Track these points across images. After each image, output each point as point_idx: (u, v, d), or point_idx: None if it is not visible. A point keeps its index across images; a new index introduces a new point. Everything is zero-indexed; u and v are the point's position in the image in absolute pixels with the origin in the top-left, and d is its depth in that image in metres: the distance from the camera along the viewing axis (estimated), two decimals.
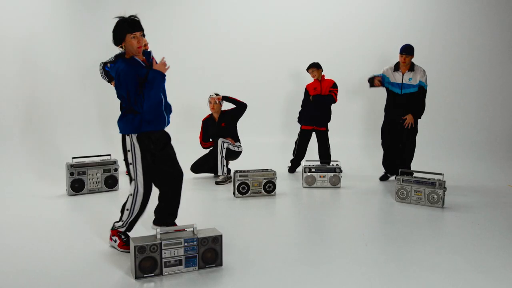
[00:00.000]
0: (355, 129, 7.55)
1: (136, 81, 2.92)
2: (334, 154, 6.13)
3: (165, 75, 3.02)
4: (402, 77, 5.37)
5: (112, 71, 3.09)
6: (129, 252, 3.04)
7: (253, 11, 7.68)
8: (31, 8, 6.53)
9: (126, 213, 3.13)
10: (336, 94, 5.94)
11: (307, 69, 6.04)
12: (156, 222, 3.38)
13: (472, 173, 6.16)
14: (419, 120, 5.52)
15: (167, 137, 3.26)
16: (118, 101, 8.19)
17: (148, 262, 2.64)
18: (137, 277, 2.63)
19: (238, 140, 5.65)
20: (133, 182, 3.08)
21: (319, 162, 5.61)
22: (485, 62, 7.59)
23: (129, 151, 3.04)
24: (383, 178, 5.74)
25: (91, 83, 7.43)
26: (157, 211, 3.39)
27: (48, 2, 6.91)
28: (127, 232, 3.22)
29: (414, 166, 5.96)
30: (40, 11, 6.73)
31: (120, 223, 3.18)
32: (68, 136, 7.06)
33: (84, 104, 7.44)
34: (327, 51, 7.65)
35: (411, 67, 5.35)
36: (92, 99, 7.50)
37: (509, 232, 3.66)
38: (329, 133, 6.10)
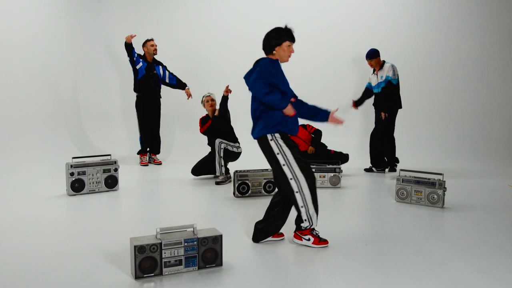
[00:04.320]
0: (355, 129, 7.55)
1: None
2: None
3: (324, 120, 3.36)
4: (377, 76, 5.97)
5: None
6: (326, 246, 3.17)
7: (253, 11, 7.68)
8: (29, 8, 6.53)
9: (303, 210, 3.10)
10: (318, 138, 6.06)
11: None
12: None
13: (472, 173, 6.16)
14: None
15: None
16: (118, 101, 8.23)
17: (148, 262, 2.64)
18: (137, 277, 2.63)
19: (237, 141, 5.64)
20: (292, 181, 3.06)
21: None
22: (485, 62, 7.59)
23: (278, 153, 3.06)
24: (368, 170, 6.20)
25: (91, 83, 7.44)
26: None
27: (51, 2, 6.91)
28: (315, 227, 3.21)
29: (414, 166, 5.97)
30: (39, 11, 6.74)
31: (307, 224, 3.14)
32: (68, 136, 7.07)
33: (84, 104, 7.44)
34: (327, 51, 7.66)
35: (381, 66, 5.92)
36: (92, 99, 7.50)
37: (509, 232, 3.66)
38: (329, 133, 6.14)
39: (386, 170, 6.13)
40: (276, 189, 3.35)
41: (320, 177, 5.17)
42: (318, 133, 6.01)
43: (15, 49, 6.32)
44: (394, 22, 7.53)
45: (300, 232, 3.21)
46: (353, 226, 3.77)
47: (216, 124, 5.48)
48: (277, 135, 3.07)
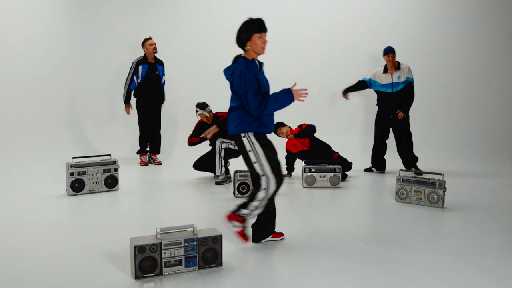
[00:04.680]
0: (355, 129, 7.55)
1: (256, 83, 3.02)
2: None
3: (292, 101, 3.13)
4: (392, 77, 5.84)
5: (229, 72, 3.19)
6: (246, 242, 3.18)
7: (253, 11, 7.67)
8: (29, 8, 6.53)
9: (255, 203, 3.08)
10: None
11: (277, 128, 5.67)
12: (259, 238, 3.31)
13: (472, 173, 6.16)
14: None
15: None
16: (118, 101, 8.22)
17: (148, 262, 2.64)
18: (137, 277, 2.63)
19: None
20: (263, 177, 3.06)
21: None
22: (485, 62, 7.59)
23: (250, 151, 3.06)
24: (368, 170, 6.16)
25: (91, 83, 7.43)
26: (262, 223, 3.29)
27: (51, 3, 6.91)
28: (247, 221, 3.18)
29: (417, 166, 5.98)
30: (39, 11, 6.74)
31: (247, 212, 3.10)
32: (68, 136, 7.07)
33: (84, 104, 7.44)
34: (327, 51, 7.66)
35: (398, 66, 5.86)
36: (92, 99, 7.50)
37: (509, 232, 3.66)
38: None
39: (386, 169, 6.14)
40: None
41: (320, 177, 5.17)
42: (309, 127, 5.62)
43: (15, 49, 6.32)
44: (394, 22, 7.53)
45: (236, 215, 3.13)
46: (353, 226, 3.77)
47: (217, 129, 5.46)
48: (251, 133, 3.07)
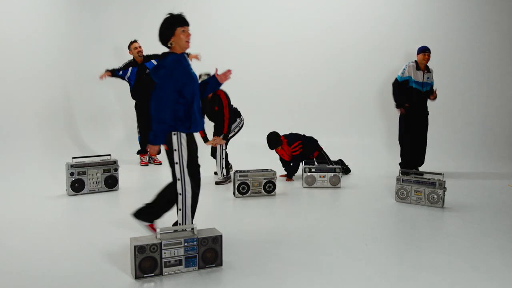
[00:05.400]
0: (355, 129, 7.55)
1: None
2: (335, 154, 6.12)
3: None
4: (423, 76, 5.79)
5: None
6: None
7: (253, 11, 7.68)
8: (29, 8, 6.53)
9: (179, 213, 3.09)
10: (297, 151, 5.69)
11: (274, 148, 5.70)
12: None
13: (472, 173, 6.16)
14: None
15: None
16: (118, 101, 8.20)
17: (148, 262, 2.64)
18: (137, 277, 2.63)
19: (239, 115, 5.54)
20: (179, 182, 3.05)
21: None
22: (485, 62, 7.59)
23: (175, 150, 3.03)
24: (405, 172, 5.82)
25: (91, 83, 7.43)
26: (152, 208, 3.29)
27: (51, 3, 6.91)
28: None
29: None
30: (39, 11, 6.74)
31: (188, 222, 3.12)
32: (68, 136, 7.07)
33: (85, 104, 7.44)
34: (327, 51, 7.66)
35: (427, 67, 5.83)
36: (92, 99, 7.50)
37: (509, 232, 3.66)
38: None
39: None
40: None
41: (320, 177, 5.17)
42: (296, 164, 5.60)
43: (15, 49, 6.31)
44: (394, 22, 7.53)
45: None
46: (353, 226, 3.77)
47: (215, 107, 5.37)
48: (183, 134, 3.03)
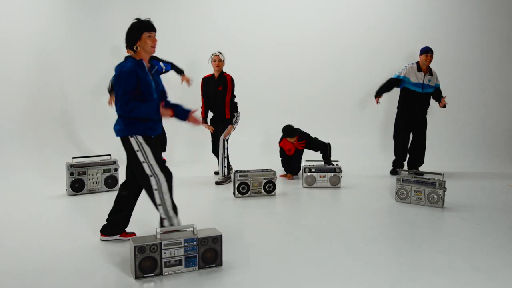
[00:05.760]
0: (355, 129, 7.55)
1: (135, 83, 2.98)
2: (335, 154, 6.12)
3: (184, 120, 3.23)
4: (424, 77, 5.79)
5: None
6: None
7: (253, 11, 7.68)
8: (29, 8, 6.52)
9: (160, 208, 3.08)
10: (302, 146, 5.82)
11: (284, 137, 5.76)
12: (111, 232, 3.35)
13: (472, 173, 6.16)
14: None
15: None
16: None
17: (148, 262, 2.64)
18: (137, 277, 2.63)
19: (236, 109, 5.54)
20: (152, 178, 3.05)
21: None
22: (485, 62, 7.59)
23: (137, 151, 3.05)
24: (394, 173, 6.05)
25: (91, 83, 7.43)
26: (116, 220, 3.34)
27: (51, 3, 6.91)
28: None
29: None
30: (39, 11, 6.73)
31: (167, 223, 3.10)
32: (68, 136, 7.07)
33: (84, 104, 7.44)
34: (327, 51, 7.66)
35: (430, 70, 5.83)
36: (92, 99, 7.50)
37: (509, 232, 3.66)
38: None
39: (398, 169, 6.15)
40: (127, 182, 3.34)
41: (320, 177, 5.17)
42: (299, 154, 5.79)
43: (14, 49, 6.31)
44: (394, 22, 7.53)
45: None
46: (353, 226, 3.77)
47: (219, 87, 5.41)
48: (139, 136, 3.06)
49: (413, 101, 5.87)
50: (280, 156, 5.85)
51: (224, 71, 5.50)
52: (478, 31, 7.51)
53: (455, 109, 7.61)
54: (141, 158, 3.05)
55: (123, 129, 3.06)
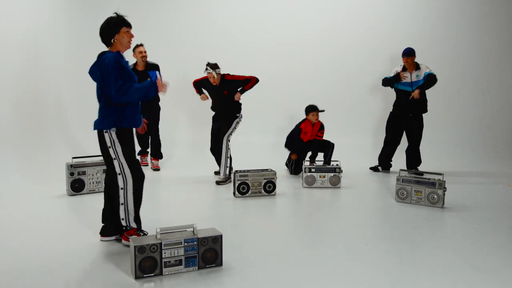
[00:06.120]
0: (355, 129, 7.55)
1: (121, 72, 3.05)
2: (335, 154, 6.13)
3: (156, 93, 3.16)
4: (411, 76, 5.86)
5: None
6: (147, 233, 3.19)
7: (253, 11, 7.68)
8: (29, 8, 6.52)
9: (122, 208, 3.13)
10: (321, 137, 6.05)
11: (308, 112, 5.96)
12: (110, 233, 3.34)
13: (472, 173, 6.17)
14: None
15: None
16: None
17: (148, 262, 2.64)
18: (137, 277, 2.63)
19: (239, 108, 5.55)
20: (119, 176, 3.10)
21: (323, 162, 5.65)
22: (485, 62, 7.59)
23: (110, 147, 3.08)
24: (374, 169, 6.23)
25: (91, 83, 7.43)
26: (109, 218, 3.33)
27: (51, 3, 6.91)
28: (137, 228, 3.21)
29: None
30: (39, 11, 6.73)
31: (124, 223, 3.17)
32: (68, 136, 7.07)
33: (84, 104, 7.44)
34: (327, 51, 7.66)
35: (417, 66, 5.87)
36: (92, 99, 7.50)
37: (509, 232, 3.66)
38: (328, 134, 6.14)
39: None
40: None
41: (320, 177, 5.17)
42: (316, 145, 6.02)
43: (14, 49, 6.31)
44: (394, 22, 7.53)
45: (127, 232, 3.19)
46: (353, 226, 3.77)
47: (224, 92, 5.42)
48: (113, 129, 3.08)
49: (404, 101, 5.95)
50: (292, 141, 5.96)
51: (223, 74, 5.46)
52: (478, 31, 7.51)
53: (454, 109, 7.61)
54: (113, 155, 3.09)
55: (99, 123, 3.10)
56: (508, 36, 7.53)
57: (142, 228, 3.30)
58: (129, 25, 3.23)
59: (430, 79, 5.76)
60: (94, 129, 3.14)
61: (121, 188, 3.12)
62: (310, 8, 7.62)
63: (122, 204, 3.13)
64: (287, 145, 6.02)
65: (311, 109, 5.91)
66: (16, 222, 3.79)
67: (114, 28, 3.17)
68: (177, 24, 7.68)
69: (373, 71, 7.44)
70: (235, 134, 5.65)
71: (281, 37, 7.62)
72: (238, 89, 5.44)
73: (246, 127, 6.28)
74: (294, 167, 5.95)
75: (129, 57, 6.43)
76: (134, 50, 6.13)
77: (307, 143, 5.97)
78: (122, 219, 3.16)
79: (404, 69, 5.93)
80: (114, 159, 3.10)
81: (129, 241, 3.12)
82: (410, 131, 6.03)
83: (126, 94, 2.99)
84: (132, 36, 3.25)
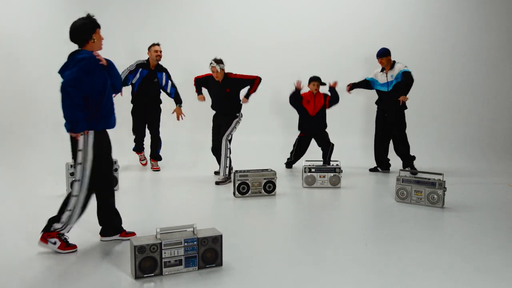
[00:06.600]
0: (355, 129, 7.55)
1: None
2: (334, 154, 6.13)
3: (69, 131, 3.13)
4: (387, 76, 6.00)
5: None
6: (74, 251, 3.07)
7: (253, 11, 7.68)
8: (29, 8, 6.53)
9: (66, 214, 3.05)
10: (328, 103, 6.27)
11: (309, 82, 6.23)
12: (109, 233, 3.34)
13: (472, 173, 6.17)
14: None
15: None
16: (118, 101, 8.15)
17: (148, 262, 2.64)
18: (137, 277, 2.63)
19: (240, 107, 5.58)
20: (77, 183, 3.03)
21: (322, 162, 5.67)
22: (485, 62, 7.59)
23: (80, 150, 3.03)
24: (374, 171, 6.25)
25: None
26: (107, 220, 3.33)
27: (51, 3, 6.91)
28: (66, 233, 3.13)
29: (414, 165, 5.97)
30: (39, 11, 6.73)
31: (60, 225, 3.07)
32: (68, 136, 7.07)
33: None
34: (326, 51, 7.66)
35: (392, 66, 5.98)
36: None
37: (509, 232, 3.66)
38: (329, 133, 6.14)
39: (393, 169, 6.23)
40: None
41: (320, 177, 5.17)
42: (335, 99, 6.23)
43: (15, 49, 6.32)
44: (394, 22, 7.53)
45: (47, 234, 3.06)
46: (353, 226, 3.77)
47: (226, 89, 5.45)
48: (91, 132, 3.06)
49: (381, 101, 6.14)
50: (293, 97, 6.15)
51: (226, 72, 5.48)
52: (478, 31, 7.51)
53: (454, 109, 7.61)
54: (79, 159, 3.03)
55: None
56: (508, 36, 7.53)
57: (128, 230, 3.37)
58: (100, 26, 3.30)
59: (408, 82, 5.81)
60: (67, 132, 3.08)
61: (75, 196, 3.03)
62: (310, 8, 7.62)
63: (70, 210, 3.03)
64: (291, 101, 6.22)
65: (312, 79, 6.14)
66: (16, 222, 3.79)
67: (93, 28, 3.22)
68: (177, 24, 7.68)
69: (373, 71, 7.43)
70: (235, 134, 5.65)
71: (281, 37, 7.62)
72: (245, 95, 5.57)
73: (246, 127, 6.27)
74: (297, 148, 6.19)
75: (143, 55, 6.39)
76: (149, 48, 6.07)
77: (315, 118, 6.10)
78: (62, 223, 3.04)
79: (382, 69, 6.06)
80: (80, 164, 3.02)
81: (47, 243, 3.03)
82: (389, 130, 6.12)
83: (69, 96, 3.10)
84: (102, 38, 3.30)
